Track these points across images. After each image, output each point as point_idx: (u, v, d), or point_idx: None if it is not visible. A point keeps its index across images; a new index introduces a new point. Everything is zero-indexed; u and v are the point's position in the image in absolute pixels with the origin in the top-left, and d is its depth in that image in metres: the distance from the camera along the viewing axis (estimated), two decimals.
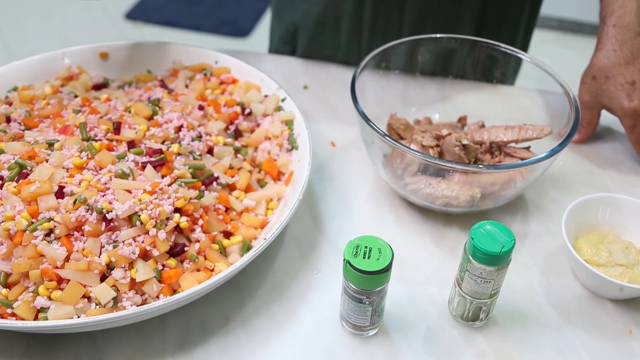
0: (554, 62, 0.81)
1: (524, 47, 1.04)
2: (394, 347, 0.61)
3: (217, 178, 0.68)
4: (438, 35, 0.83)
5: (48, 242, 0.58)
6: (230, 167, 0.72)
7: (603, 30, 0.78)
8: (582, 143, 0.86)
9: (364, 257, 0.53)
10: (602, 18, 0.79)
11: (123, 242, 0.59)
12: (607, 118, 0.84)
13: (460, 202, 0.69)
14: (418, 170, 0.70)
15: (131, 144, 0.67)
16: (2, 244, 0.58)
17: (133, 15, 2.72)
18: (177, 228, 0.62)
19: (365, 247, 0.54)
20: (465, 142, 0.72)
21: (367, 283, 0.54)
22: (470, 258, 0.55)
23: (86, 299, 0.57)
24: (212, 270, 0.62)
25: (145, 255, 0.60)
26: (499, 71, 0.86)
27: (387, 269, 0.53)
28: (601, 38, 0.78)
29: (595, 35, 0.80)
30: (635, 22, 0.76)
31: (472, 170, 0.66)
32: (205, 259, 0.62)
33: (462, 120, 0.84)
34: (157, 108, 0.73)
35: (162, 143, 0.69)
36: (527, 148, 0.77)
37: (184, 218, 0.62)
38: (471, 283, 0.57)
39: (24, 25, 2.60)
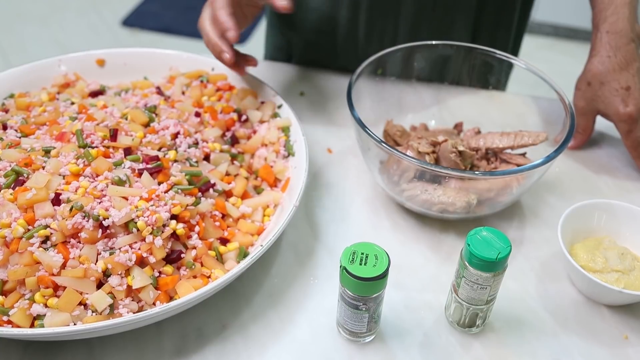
0: (548, 68, 0.81)
1: (515, 52, 1.05)
2: (391, 354, 0.61)
3: (214, 185, 0.68)
4: (434, 42, 0.83)
5: (44, 249, 0.58)
6: (227, 174, 0.72)
7: (596, 36, 0.79)
8: (578, 149, 0.86)
9: (360, 264, 0.53)
10: (595, 25, 0.79)
11: (119, 249, 0.59)
12: (602, 124, 0.85)
13: (456, 209, 0.69)
14: (414, 177, 0.70)
15: (128, 151, 0.67)
16: None
17: (129, 22, 2.73)
18: (174, 235, 0.62)
19: (362, 253, 0.54)
20: (461, 148, 0.72)
21: (364, 289, 0.54)
22: (467, 264, 0.56)
23: (82, 306, 0.57)
24: (209, 277, 0.62)
25: (141, 262, 0.59)
26: (494, 77, 0.86)
27: (384, 275, 0.53)
28: (595, 44, 0.79)
29: (590, 41, 0.80)
30: (628, 28, 0.76)
31: (468, 177, 0.66)
32: (202, 265, 0.62)
33: (458, 127, 0.85)
34: (153, 115, 0.73)
35: (159, 150, 0.69)
36: (523, 154, 0.78)
37: (181, 225, 0.62)
38: (467, 289, 0.57)
39: (20, 32, 2.60)
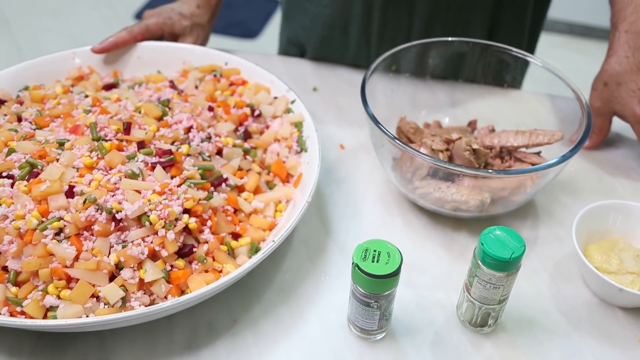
0: (563, 66, 0.80)
1: (530, 52, 1.04)
2: (402, 352, 0.60)
3: (226, 179, 0.68)
4: (449, 39, 0.82)
5: (58, 241, 0.58)
6: (239, 169, 0.72)
7: (615, 36, 0.78)
8: (593, 149, 0.85)
9: (372, 261, 0.53)
10: (614, 24, 0.78)
11: (132, 242, 0.59)
12: (618, 124, 0.84)
13: (469, 207, 0.69)
14: (427, 174, 0.70)
15: (141, 145, 0.67)
16: (13, 243, 0.58)
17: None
18: (186, 229, 0.62)
19: (374, 250, 0.54)
20: (475, 146, 0.72)
21: (376, 287, 0.54)
22: (480, 263, 0.55)
23: (95, 299, 0.57)
24: (220, 271, 0.62)
25: (154, 256, 0.60)
26: (509, 75, 0.85)
27: (396, 273, 0.53)
28: (613, 44, 0.78)
29: (605, 39, 0.79)
30: None
31: (482, 175, 0.66)
32: (214, 260, 0.62)
33: (472, 125, 0.84)
34: (167, 109, 0.73)
35: (172, 144, 0.69)
36: (538, 153, 0.77)
37: (193, 219, 0.62)
38: (480, 288, 0.57)
39: (34, 26, 2.62)
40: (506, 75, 0.85)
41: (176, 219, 0.61)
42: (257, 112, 0.78)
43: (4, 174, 0.63)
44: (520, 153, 0.76)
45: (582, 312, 0.65)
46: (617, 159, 0.84)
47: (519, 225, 0.74)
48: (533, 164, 0.73)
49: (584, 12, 2.56)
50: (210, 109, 0.76)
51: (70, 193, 0.60)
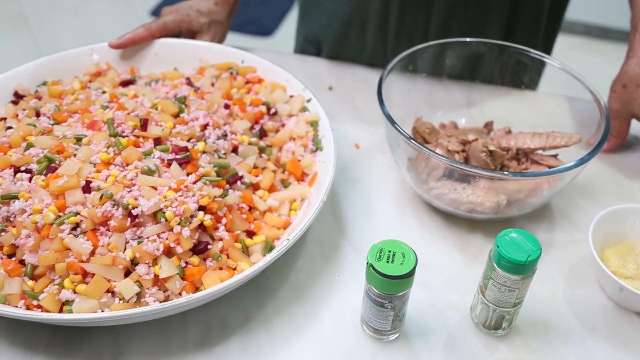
0: (579, 68, 0.79)
1: (547, 53, 1.03)
2: (415, 353, 0.60)
3: (242, 177, 0.68)
4: (467, 40, 0.82)
5: (74, 236, 0.59)
6: (255, 167, 0.72)
7: (635, 37, 0.77)
8: (611, 152, 0.84)
9: (387, 261, 0.53)
10: (634, 25, 0.77)
11: (147, 238, 0.59)
12: (636, 127, 0.83)
13: (485, 209, 0.68)
14: (443, 175, 0.70)
15: (157, 141, 0.67)
16: (30, 237, 0.59)
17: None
18: (201, 226, 0.62)
19: (389, 251, 0.54)
20: (491, 148, 0.71)
21: (390, 287, 0.54)
22: (495, 266, 0.55)
23: (110, 294, 0.57)
24: (235, 269, 0.62)
25: (169, 252, 0.60)
26: (527, 77, 0.85)
27: (411, 273, 0.53)
28: (632, 45, 0.77)
29: (623, 41, 0.79)
30: None
31: (498, 177, 0.65)
32: (228, 257, 0.63)
33: (488, 126, 0.84)
34: (183, 106, 0.73)
35: (188, 141, 0.69)
36: (555, 156, 0.76)
37: (208, 216, 0.62)
38: (495, 291, 0.57)
39: (52, 22, 2.64)
40: (524, 76, 0.85)
41: (191, 216, 0.61)
42: (273, 111, 0.78)
43: (23, 169, 0.63)
44: (537, 155, 0.75)
45: (597, 316, 0.64)
46: (635, 162, 0.83)
47: (534, 228, 0.74)
48: (550, 167, 0.73)
49: (602, 14, 2.53)
50: (227, 106, 0.76)
51: (87, 188, 0.61)
